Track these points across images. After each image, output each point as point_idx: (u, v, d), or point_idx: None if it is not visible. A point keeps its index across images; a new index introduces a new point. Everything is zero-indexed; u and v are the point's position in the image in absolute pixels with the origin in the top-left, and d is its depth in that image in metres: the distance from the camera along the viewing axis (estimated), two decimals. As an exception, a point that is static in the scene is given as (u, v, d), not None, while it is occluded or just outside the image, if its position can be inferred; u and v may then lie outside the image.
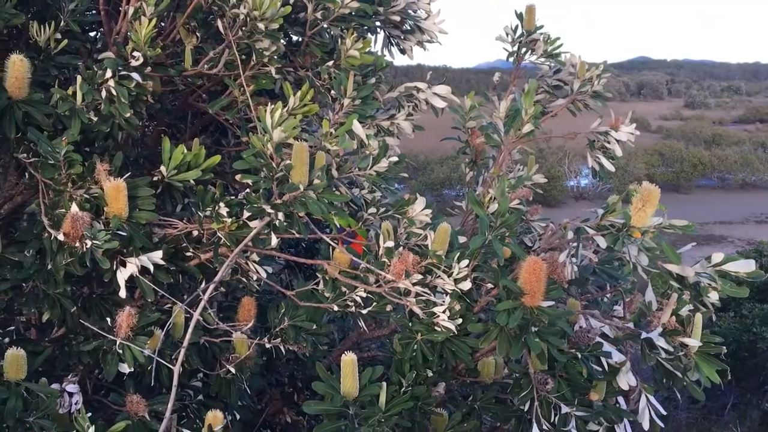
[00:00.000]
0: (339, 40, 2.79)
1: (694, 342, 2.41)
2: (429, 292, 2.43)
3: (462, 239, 2.74)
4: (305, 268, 4.05)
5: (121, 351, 2.20)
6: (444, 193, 28.85)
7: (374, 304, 2.58)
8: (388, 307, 2.59)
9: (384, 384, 2.24)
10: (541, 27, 3.36)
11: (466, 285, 2.47)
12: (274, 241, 2.45)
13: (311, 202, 2.26)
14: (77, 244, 2.17)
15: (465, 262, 2.48)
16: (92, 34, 2.91)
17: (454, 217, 3.38)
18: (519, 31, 3.37)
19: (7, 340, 2.40)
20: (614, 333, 2.64)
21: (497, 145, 3.13)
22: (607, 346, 2.55)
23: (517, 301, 2.35)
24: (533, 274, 2.31)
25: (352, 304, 2.60)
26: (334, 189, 2.51)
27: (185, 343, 2.15)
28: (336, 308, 2.61)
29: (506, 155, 2.92)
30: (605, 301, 3.06)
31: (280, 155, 2.28)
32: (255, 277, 2.65)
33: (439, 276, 2.46)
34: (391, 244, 2.52)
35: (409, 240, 2.68)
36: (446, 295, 2.49)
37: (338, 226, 2.54)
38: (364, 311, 2.59)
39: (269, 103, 2.35)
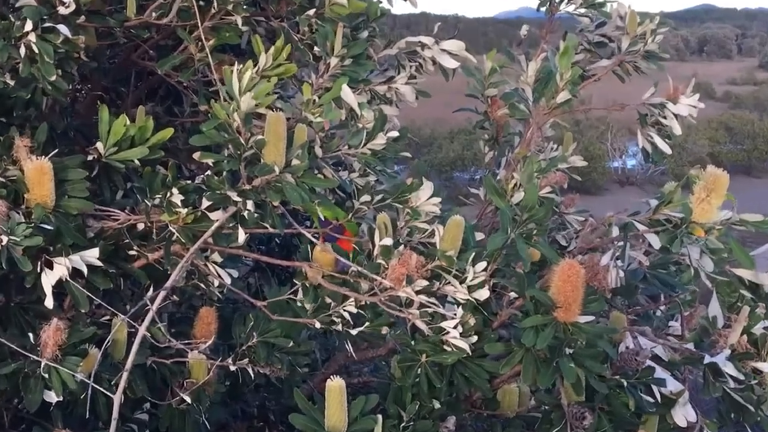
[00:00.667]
0: (323, -18, 3.07)
1: (770, 367, 2.75)
2: (436, 302, 2.41)
3: (479, 236, 2.67)
4: (280, 271, 4.01)
5: (46, 375, 2.16)
6: (455, 176, 27.52)
7: (367, 323, 2.54)
8: (384, 330, 2.57)
9: (379, 417, 2.20)
10: (582, -33, 3.65)
11: (484, 294, 2.43)
12: (242, 236, 2.42)
13: (288, 187, 2.23)
14: (-10, 241, 2.43)
15: (482, 265, 2.43)
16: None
17: (468, 207, 3.33)
18: (553, -28, 3.69)
19: None
20: (669, 355, 2.62)
21: (524, 117, 3.09)
22: (660, 372, 2.54)
23: (548, 316, 2.32)
24: (568, 282, 2.27)
25: (339, 320, 2.56)
26: (317, 172, 2.48)
27: (128, 366, 2.11)
28: (318, 325, 2.56)
29: (535, 130, 2.86)
30: (658, 316, 3.03)
31: (249, 128, 2.23)
32: (216, 283, 2.63)
33: (450, 282, 2.42)
34: (389, 241, 2.46)
35: (411, 237, 2.63)
36: (458, 307, 2.45)
37: (322, 218, 2.50)
38: (354, 331, 2.56)
39: (235, 63, 2.31)
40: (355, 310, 2.58)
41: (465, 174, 27.71)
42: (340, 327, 2.59)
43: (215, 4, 2.53)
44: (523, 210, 2.45)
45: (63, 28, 2.32)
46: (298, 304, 2.69)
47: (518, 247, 2.39)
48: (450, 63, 3.01)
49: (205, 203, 2.42)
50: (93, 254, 2.30)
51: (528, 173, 2.50)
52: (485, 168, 3.51)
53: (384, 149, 2.58)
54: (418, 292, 2.40)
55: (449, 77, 3.09)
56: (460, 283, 2.45)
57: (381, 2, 2.98)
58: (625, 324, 2.68)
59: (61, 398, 2.22)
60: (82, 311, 2.35)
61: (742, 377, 2.39)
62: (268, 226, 2.39)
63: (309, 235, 2.55)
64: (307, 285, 2.64)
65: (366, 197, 2.72)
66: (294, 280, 2.71)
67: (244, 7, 2.59)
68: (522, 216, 2.44)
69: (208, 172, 2.39)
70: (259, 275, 4.09)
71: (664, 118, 3.16)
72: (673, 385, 2.54)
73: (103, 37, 2.73)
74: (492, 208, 3.26)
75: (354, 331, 2.59)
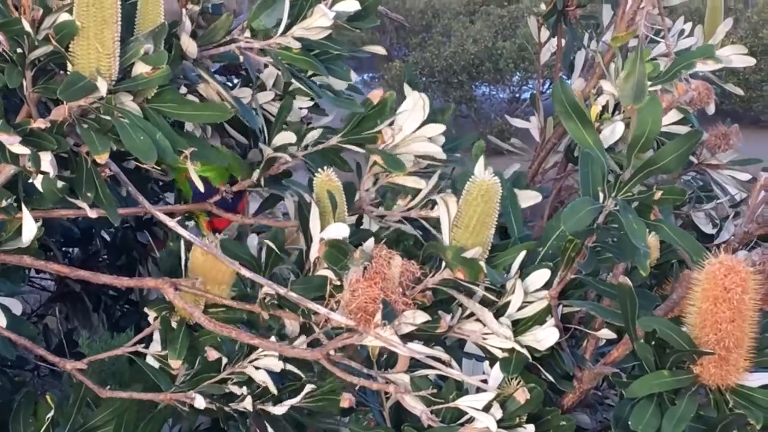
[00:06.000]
0: None
1: None
2: (446, 355, 2.24)
3: (526, 199, 2.51)
4: (111, 299, 4.07)
5: None
6: (478, 94, 26.31)
7: (310, 389, 2.42)
8: (346, 401, 2.43)
9: None
10: None
11: (546, 336, 2.24)
12: (31, 229, 2.32)
13: (128, 123, 2.13)
14: None
15: (541, 274, 2.22)
16: None
17: (504, 158, 3.15)
18: None
19: None
20: None
21: None
22: None
23: (684, 373, 2.16)
24: (724, 303, 2.08)
25: (243, 390, 2.44)
26: (185, 89, 2.38)
27: None
28: (201, 402, 2.39)
29: None
30: None
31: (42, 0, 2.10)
32: None
33: (474, 314, 2.25)
34: (341, 230, 2.26)
35: (387, 212, 2.50)
36: (491, 364, 2.28)
37: (200, 186, 2.41)
38: (279, 409, 2.41)
39: None
40: (278, 366, 2.43)
41: (498, 90, 26.58)
42: (248, 404, 2.44)
43: None
44: (631, 154, 2.17)
45: None
46: (154, 361, 2.48)
47: (626, 229, 2.09)
48: None
49: (-50, 158, 2.12)
50: None
51: (636, 81, 2.31)
52: (540, 74, 3.41)
53: (327, 39, 2.39)
54: (406, 337, 2.20)
55: None
56: (496, 314, 2.24)
57: None
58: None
59: None
60: None
61: None
62: (86, 206, 2.25)
63: (173, 224, 2.29)
64: (172, 324, 2.47)
65: (288, 136, 2.50)
66: (145, 312, 2.52)
67: None
68: (628, 165, 2.19)
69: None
70: (69, 308, 4.11)
71: None
72: None
73: None
74: (558, 156, 3.12)
75: (279, 409, 2.44)
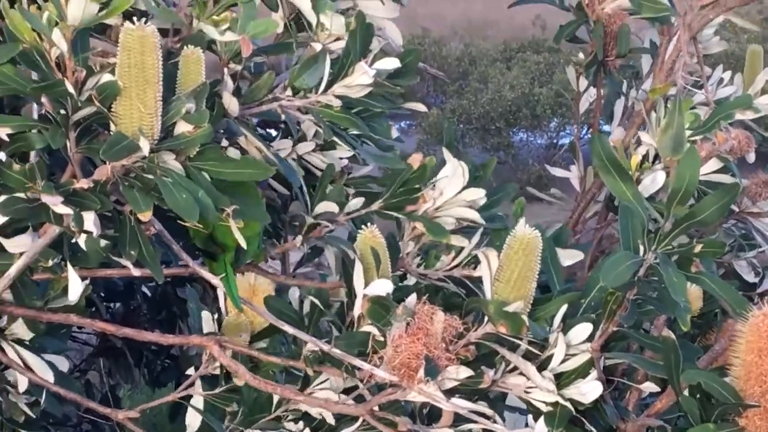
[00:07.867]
0: None
1: None
2: (490, 410, 2.21)
3: (569, 257, 2.48)
4: (155, 350, 4.08)
5: None
6: (516, 141, 26.38)
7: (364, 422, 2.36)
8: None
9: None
10: None
11: (590, 389, 2.22)
12: (77, 288, 2.29)
13: (171, 182, 2.11)
14: None
15: (584, 328, 2.22)
16: None
17: (543, 205, 3.28)
18: None
19: None
20: None
21: (662, 15, 2.85)
22: None
23: (730, 426, 2.16)
24: None
25: (297, 429, 2.54)
26: (226, 144, 2.39)
27: None
28: None
29: (686, 42, 2.57)
30: None
31: (84, 61, 2.11)
32: (24, 386, 2.49)
33: (516, 368, 2.25)
34: (384, 287, 2.26)
35: (429, 270, 2.48)
36: (535, 418, 2.26)
37: (243, 244, 2.34)
38: None
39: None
40: (335, 398, 2.47)
41: (536, 136, 25.83)
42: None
43: None
44: (671, 205, 2.18)
45: None
46: (200, 403, 2.55)
47: (666, 280, 2.06)
48: None
49: (-7, 216, 2.10)
50: None
51: (674, 134, 2.29)
52: (578, 122, 3.43)
53: (368, 96, 2.36)
54: (450, 392, 2.20)
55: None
56: (539, 368, 2.24)
57: None
58: None
59: None
60: None
61: None
62: (130, 265, 2.23)
63: (217, 282, 2.30)
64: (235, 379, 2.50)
65: (329, 205, 2.48)
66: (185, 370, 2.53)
67: None
68: (668, 217, 2.18)
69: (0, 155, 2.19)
70: (111, 363, 4.12)
71: None
72: None
73: None
74: (598, 206, 3.13)
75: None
